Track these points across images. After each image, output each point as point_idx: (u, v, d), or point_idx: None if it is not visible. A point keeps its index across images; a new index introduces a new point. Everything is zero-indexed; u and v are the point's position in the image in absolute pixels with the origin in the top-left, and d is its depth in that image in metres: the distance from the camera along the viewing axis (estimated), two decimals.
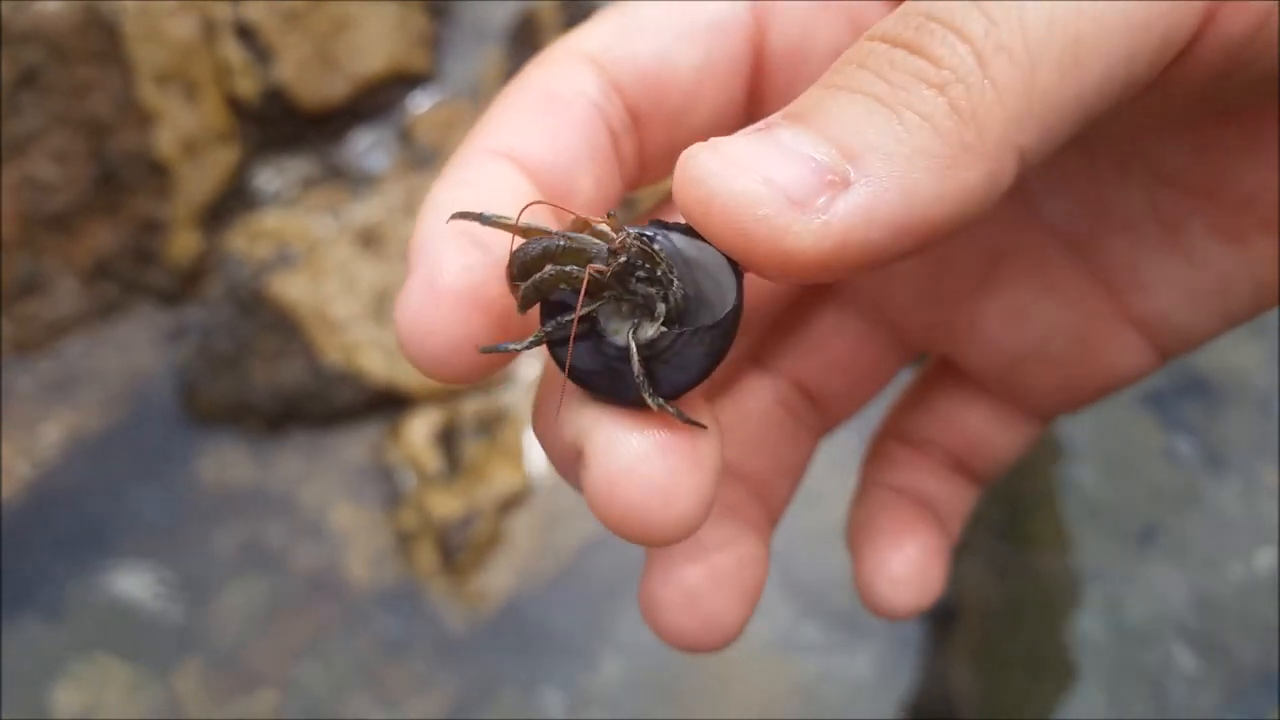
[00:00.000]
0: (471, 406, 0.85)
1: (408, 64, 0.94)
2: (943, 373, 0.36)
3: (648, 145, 0.30)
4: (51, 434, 0.83)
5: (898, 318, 0.34)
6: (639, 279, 0.25)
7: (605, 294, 0.25)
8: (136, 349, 0.86)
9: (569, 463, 0.26)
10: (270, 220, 0.89)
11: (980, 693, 0.79)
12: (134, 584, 0.80)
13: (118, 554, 0.81)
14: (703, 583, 0.29)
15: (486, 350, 0.25)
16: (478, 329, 0.25)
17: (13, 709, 0.76)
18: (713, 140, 0.23)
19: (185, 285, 0.88)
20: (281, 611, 0.80)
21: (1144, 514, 0.83)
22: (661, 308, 0.25)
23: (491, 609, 0.80)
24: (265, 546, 0.82)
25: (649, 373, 0.25)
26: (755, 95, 0.30)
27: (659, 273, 0.25)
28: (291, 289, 0.85)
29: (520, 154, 0.28)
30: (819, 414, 0.35)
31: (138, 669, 0.78)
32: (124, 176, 0.85)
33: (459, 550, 0.80)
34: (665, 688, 0.78)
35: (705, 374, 0.26)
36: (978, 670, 0.79)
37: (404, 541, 0.81)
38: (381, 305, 0.85)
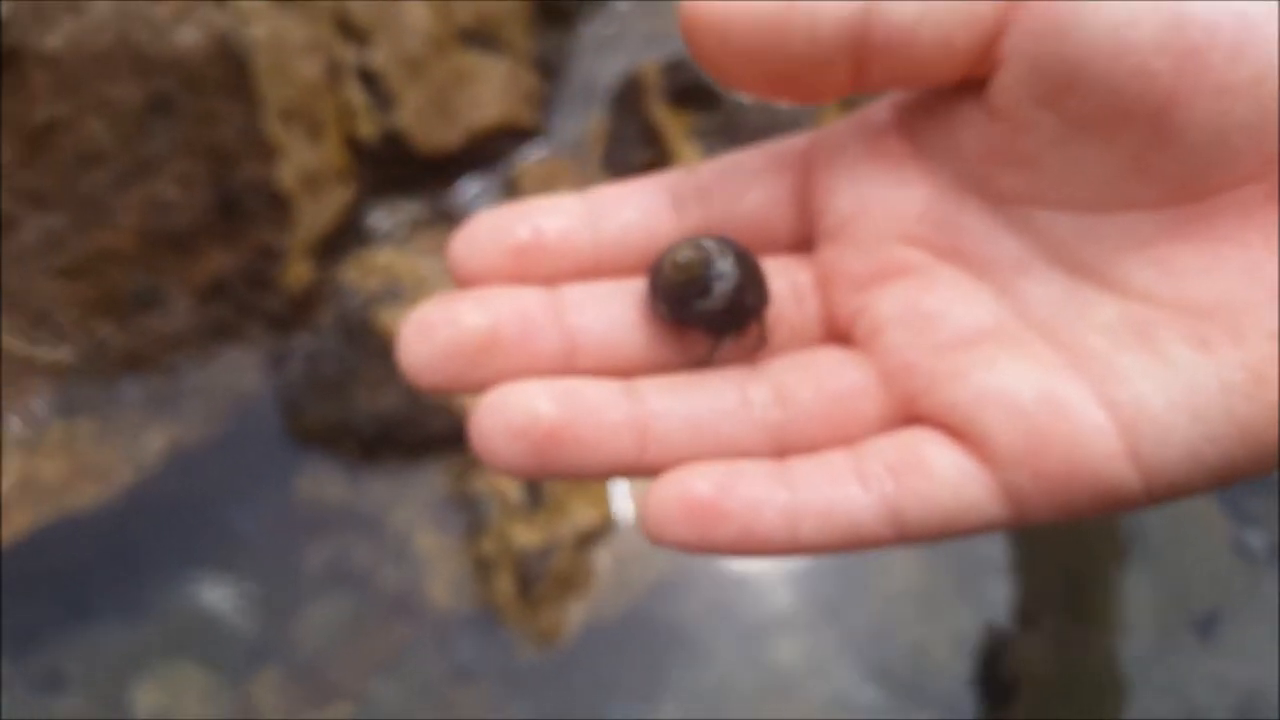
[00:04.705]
0: None
1: (517, 119, 0.99)
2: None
3: None
4: (155, 443, 0.87)
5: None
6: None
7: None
8: (244, 369, 0.90)
9: None
10: (383, 257, 0.93)
11: None
12: (221, 594, 0.83)
13: (208, 563, 0.84)
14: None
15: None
16: None
17: (96, 705, 0.79)
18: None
19: (296, 312, 0.91)
20: (361, 629, 0.82)
21: (1207, 603, 0.83)
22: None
23: (563, 642, 0.82)
24: (351, 565, 0.84)
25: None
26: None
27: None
28: (398, 321, 0.88)
29: None
30: None
31: (217, 676, 0.80)
32: (245, 204, 0.89)
33: (536, 581, 0.82)
34: None
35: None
36: None
37: (483, 569, 0.84)
38: None
